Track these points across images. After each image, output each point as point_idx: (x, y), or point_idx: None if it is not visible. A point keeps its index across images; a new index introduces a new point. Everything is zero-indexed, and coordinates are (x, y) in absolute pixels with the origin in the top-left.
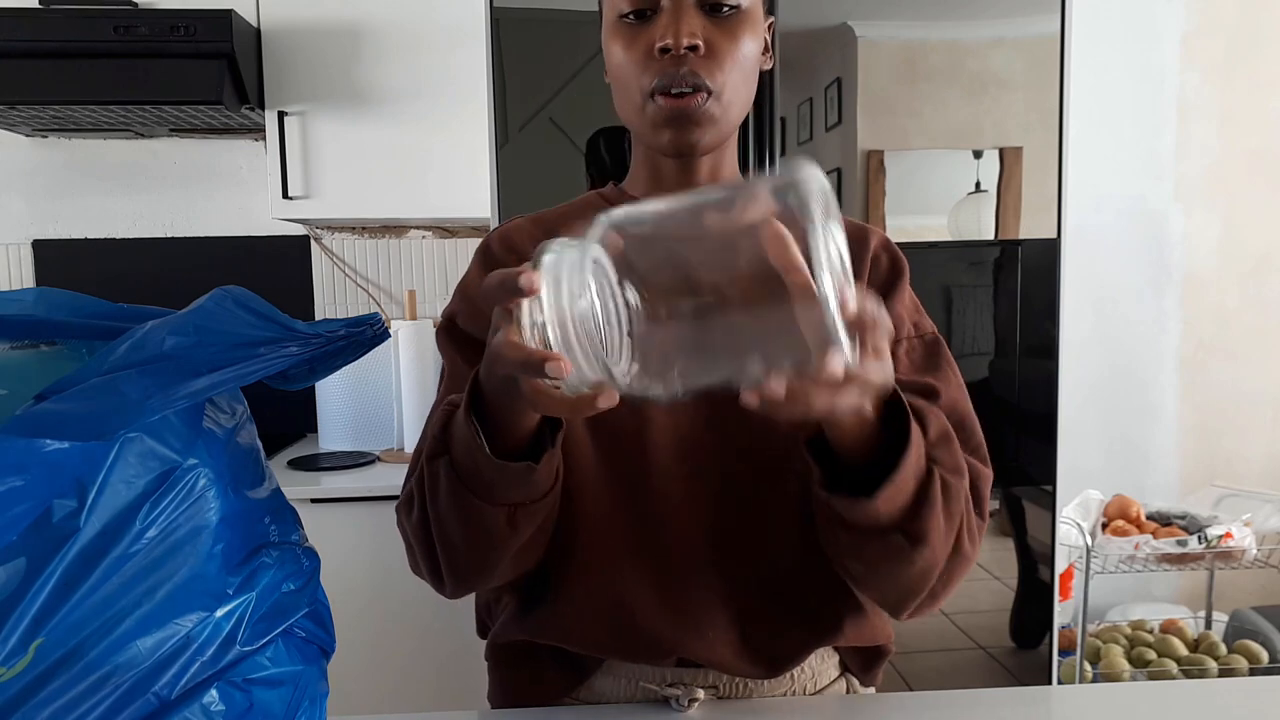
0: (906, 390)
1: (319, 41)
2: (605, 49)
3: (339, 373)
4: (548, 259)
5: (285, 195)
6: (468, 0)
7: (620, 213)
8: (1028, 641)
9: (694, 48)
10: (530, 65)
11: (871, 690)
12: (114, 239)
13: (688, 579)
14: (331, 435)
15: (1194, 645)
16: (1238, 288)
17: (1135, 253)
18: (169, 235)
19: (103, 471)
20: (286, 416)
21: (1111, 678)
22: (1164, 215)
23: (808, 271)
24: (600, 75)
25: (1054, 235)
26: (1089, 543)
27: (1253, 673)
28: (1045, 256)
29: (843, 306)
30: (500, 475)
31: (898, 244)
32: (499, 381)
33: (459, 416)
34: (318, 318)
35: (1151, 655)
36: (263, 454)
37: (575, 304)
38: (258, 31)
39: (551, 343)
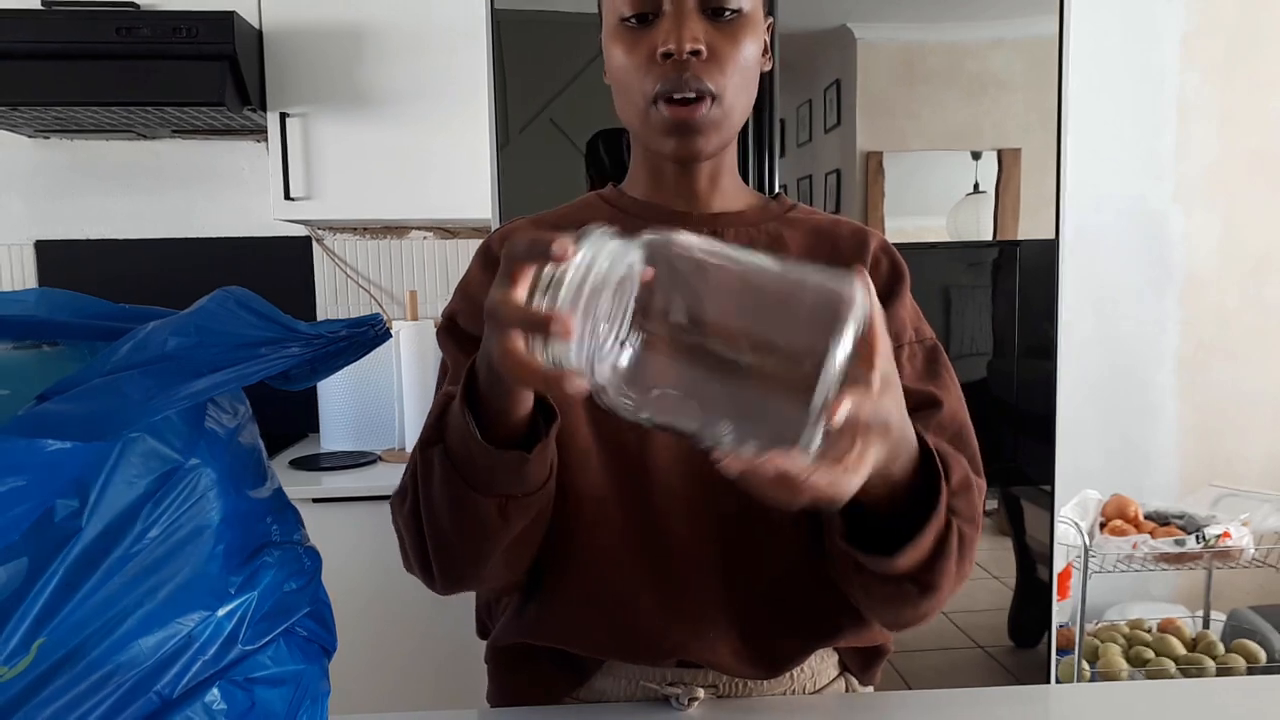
0: (910, 398)
1: (321, 43)
2: (606, 51)
3: (340, 373)
4: (593, 236)
5: (287, 196)
6: (468, 1)
7: (673, 238)
8: (1026, 640)
9: (696, 53)
10: (531, 66)
11: (870, 689)
12: (116, 240)
13: (688, 580)
14: (333, 435)
15: (1192, 645)
16: (1238, 288)
17: (1135, 253)
18: (171, 236)
19: (105, 471)
20: (288, 416)
21: (1109, 677)
22: (1164, 215)
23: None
24: (600, 76)
25: (1053, 236)
26: (1087, 542)
27: (1250, 672)
28: (1044, 257)
29: (829, 415)
30: (492, 464)
31: (897, 245)
32: (490, 349)
33: (454, 404)
34: (319, 318)
35: (1149, 654)
36: (264, 454)
37: (597, 284)
38: (260, 33)
39: (553, 302)
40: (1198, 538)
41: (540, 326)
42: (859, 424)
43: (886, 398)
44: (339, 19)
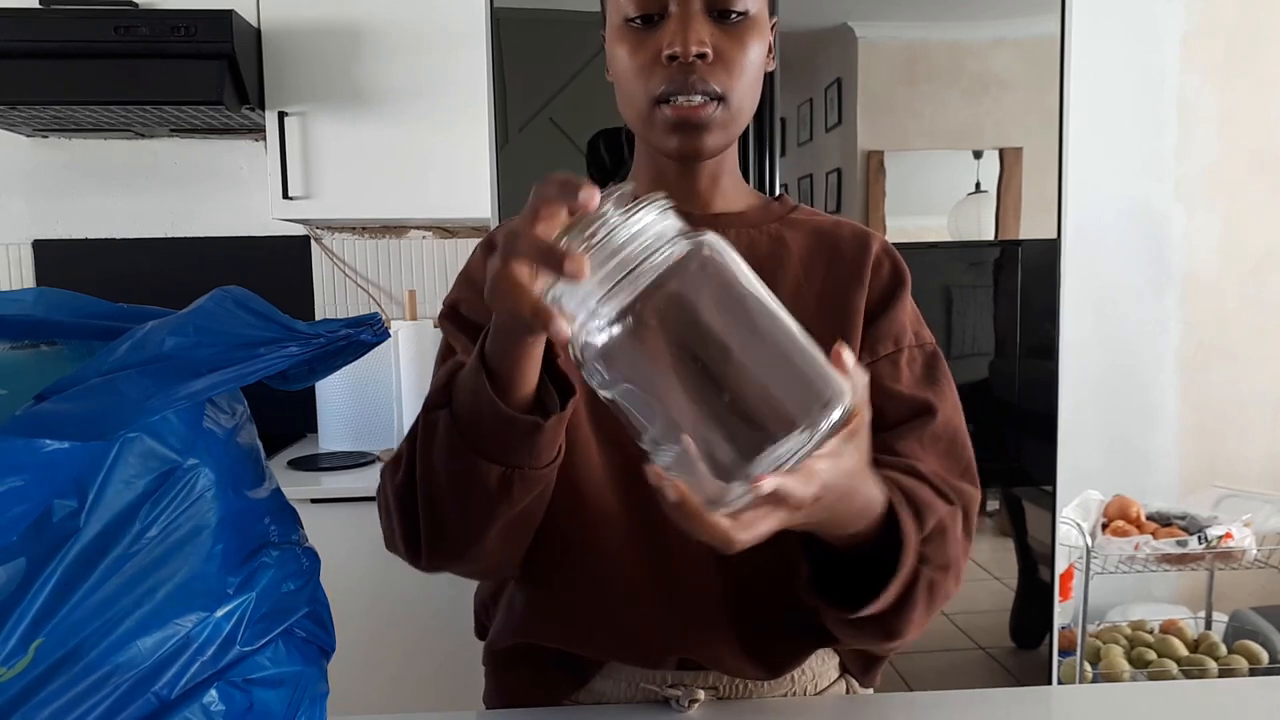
0: (905, 405)
1: (319, 42)
2: (609, 51)
3: (339, 373)
4: (654, 206)
5: (285, 195)
6: (468, 0)
7: (726, 253)
8: (1028, 642)
9: (702, 55)
10: (530, 66)
11: (871, 691)
12: (114, 239)
13: (689, 581)
14: (331, 435)
15: (1194, 646)
16: (1238, 288)
17: (1135, 253)
18: (169, 235)
19: (103, 471)
20: (286, 417)
21: (1111, 678)
22: (1164, 216)
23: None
24: (601, 76)
25: (1054, 236)
26: (1089, 543)
27: (1252, 673)
28: (1045, 257)
29: (757, 482)
30: (505, 427)
31: (897, 244)
32: (492, 270)
33: (467, 368)
34: (318, 318)
35: (1151, 656)
36: (263, 454)
37: (631, 253)
38: (258, 32)
39: (577, 246)
40: (1200, 539)
41: (555, 260)
42: (778, 503)
43: (829, 493)
44: (338, 17)
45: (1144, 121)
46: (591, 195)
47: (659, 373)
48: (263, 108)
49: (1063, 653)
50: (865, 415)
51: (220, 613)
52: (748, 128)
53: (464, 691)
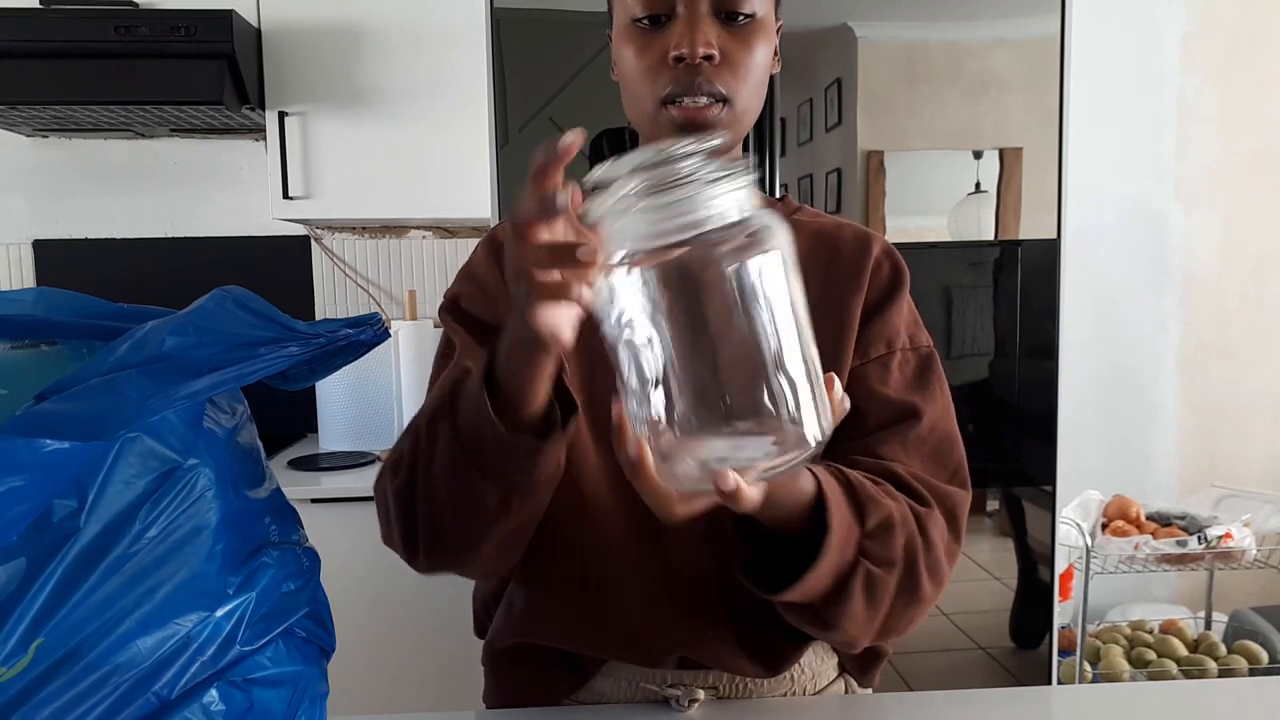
0: (890, 409)
1: (319, 42)
2: (615, 50)
3: (339, 373)
4: (740, 173)
5: (285, 195)
6: (468, 0)
7: (786, 234)
8: (1027, 642)
9: (709, 57)
10: (530, 66)
11: (870, 691)
12: (114, 239)
13: (688, 580)
14: (332, 435)
15: (1194, 646)
16: (1238, 288)
17: (1135, 253)
18: (169, 235)
19: (103, 471)
20: (286, 416)
21: (1111, 678)
22: (1164, 216)
23: None
24: (601, 76)
25: (1054, 236)
26: (1089, 543)
27: (1252, 673)
28: (1045, 257)
29: (720, 477)
30: (504, 447)
31: (898, 244)
32: (516, 273)
33: (471, 382)
34: (318, 318)
35: (1151, 656)
36: (263, 454)
37: (694, 196)
38: (258, 32)
39: (622, 164)
40: (1200, 539)
41: (556, 206)
42: (719, 492)
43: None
44: (338, 17)
45: (1144, 121)
46: (573, 138)
47: (671, 327)
48: (263, 108)
49: (1062, 653)
50: (750, 505)
51: (220, 612)
52: None
53: (464, 691)
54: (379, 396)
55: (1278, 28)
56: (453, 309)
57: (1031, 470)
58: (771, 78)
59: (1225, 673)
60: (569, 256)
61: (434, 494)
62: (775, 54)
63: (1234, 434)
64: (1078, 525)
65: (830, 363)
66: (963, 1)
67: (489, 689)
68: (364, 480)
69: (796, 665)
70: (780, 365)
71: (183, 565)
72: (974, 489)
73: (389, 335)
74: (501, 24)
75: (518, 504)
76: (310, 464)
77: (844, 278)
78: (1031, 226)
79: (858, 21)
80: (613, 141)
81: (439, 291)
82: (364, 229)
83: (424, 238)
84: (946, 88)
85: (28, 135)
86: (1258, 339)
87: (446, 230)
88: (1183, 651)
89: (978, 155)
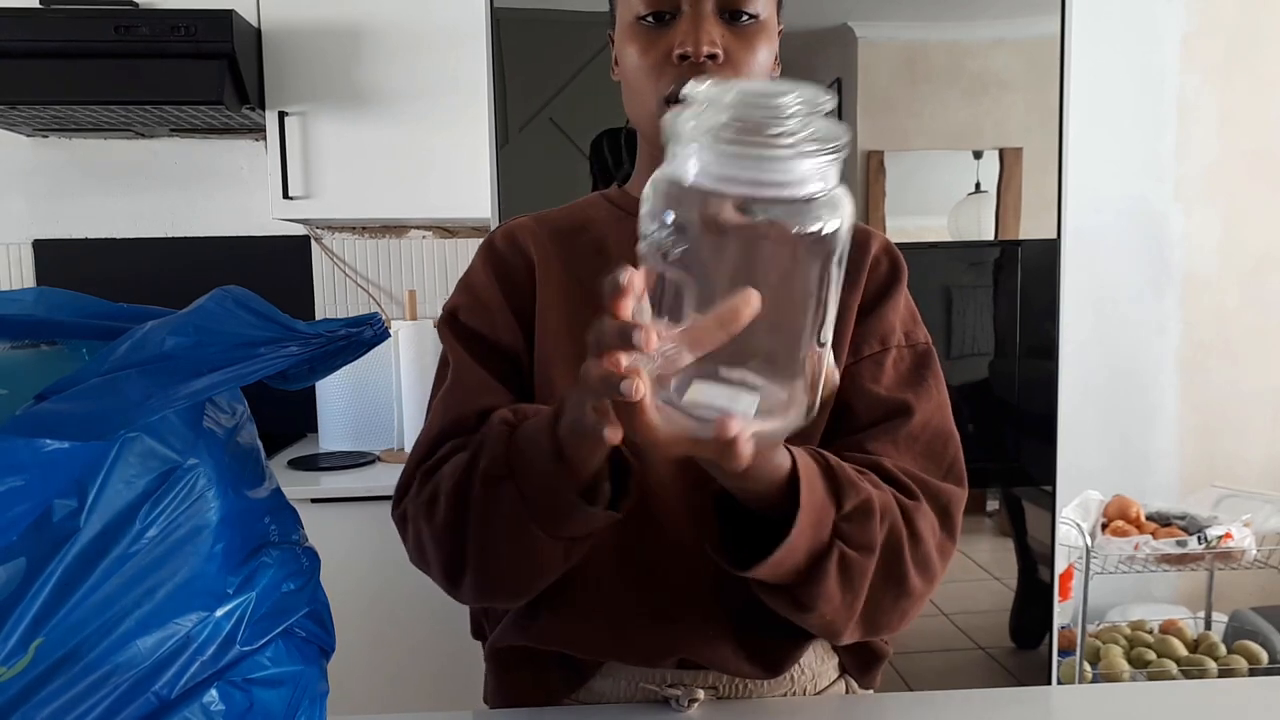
0: (880, 406)
1: (319, 42)
2: (618, 49)
3: (339, 373)
4: (841, 139)
5: (285, 195)
6: (468, 0)
7: (843, 227)
8: (1027, 642)
9: (713, 56)
10: (530, 65)
11: (871, 691)
12: (114, 239)
13: (686, 580)
14: (331, 435)
15: (1193, 646)
16: (1238, 288)
17: (1135, 253)
18: (169, 235)
19: (103, 471)
20: (286, 416)
21: (1111, 678)
22: (1164, 216)
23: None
24: (601, 76)
25: (1054, 236)
26: (1089, 543)
27: (1252, 673)
28: (1045, 257)
29: (723, 428)
30: (580, 518)
31: (898, 244)
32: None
33: (539, 451)
34: (318, 318)
35: (1151, 656)
36: (263, 454)
37: (790, 140)
38: (258, 31)
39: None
40: (1199, 539)
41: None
42: (716, 440)
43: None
44: (338, 17)
45: (1144, 121)
46: (626, 283)
47: (712, 261)
48: (263, 108)
49: (1062, 653)
50: (740, 462)
51: (220, 612)
52: None
53: (464, 691)
54: (379, 396)
55: (1278, 28)
56: (451, 322)
57: (1031, 470)
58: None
59: (1225, 673)
60: (626, 340)
61: (492, 548)
62: (775, 59)
63: (1234, 434)
64: (1078, 525)
65: None
66: (963, 1)
67: (490, 688)
68: (364, 480)
69: (796, 666)
70: (800, 333)
71: (183, 565)
72: (974, 489)
73: (389, 335)
74: (501, 24)
75: (578, 552)
76: (310, 464)
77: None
78: (1031, 226)
79: (858, 21)
80: (612, 142)
81: (439, 291)
82: (364, 229)
83: (424, 238)
84: (946, 88)
85: (28, 135)
86: (1258, 339)
87: (446, 230)
88: (1183, 651)
89: (978, 155)
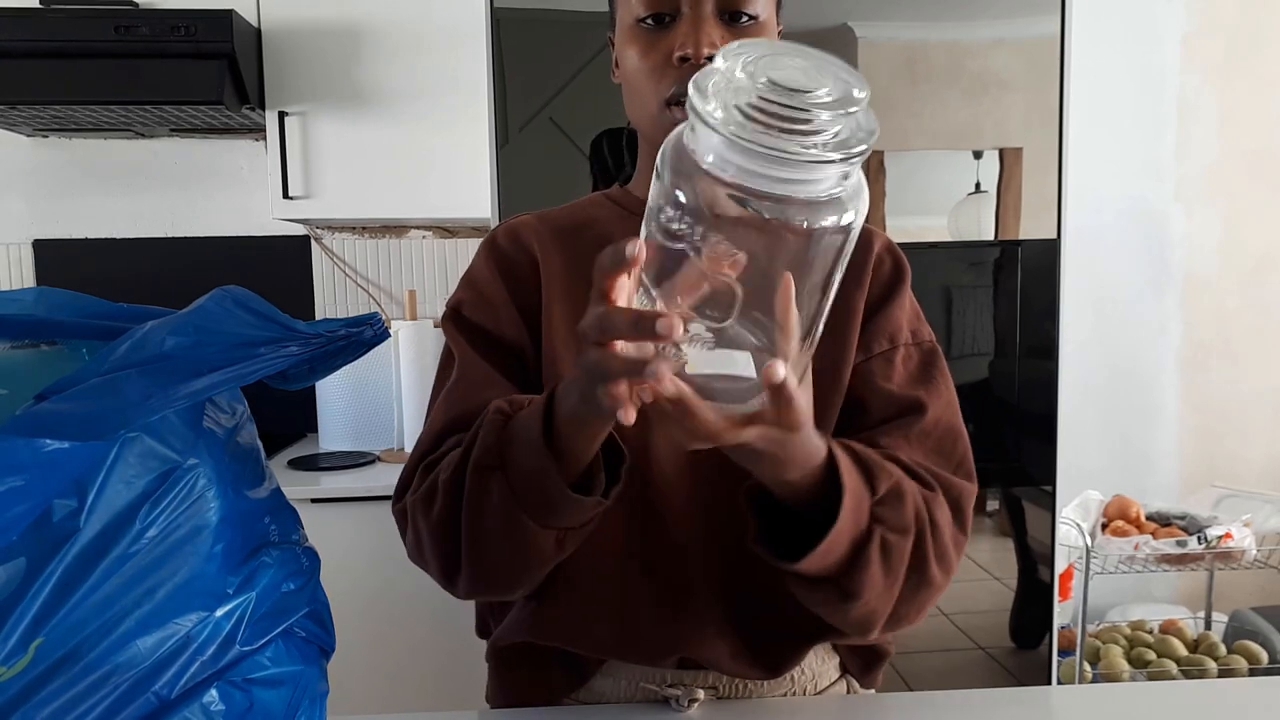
0: (893, 404)
1: (319, 41)
2: (618, 51)
3: (339, 373)
4: (865, 144)
5: (285, 195)
6: (468, 0)
7: (853, 226)
8: (1027, 642)
9: (713, 58)
10: (530, 65)
11: (871, 692)
12: (114, 239)
13: (688, 580)
14: (332, 435)
15: (1193, 646)
16: (1238, 288)
17: (1135, 253)
18: (169, 235)
19: (103, 471)
20: (286, 416)
21: (1111, 678)
22: (1164, 216)
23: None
24: (601, 76)
25: (1054, 236)
26: (1089, 543)
27: (1252, 673)
28: (1045, 257)
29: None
30: (569, 508)
31: (898, 244)
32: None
33: (529, 441)
34: (318, 318)
35: (1151, 656)
36: (263, 454)
37: (794, 117)
38: (258, 31)
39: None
40: (1199, 539)
41: (646, 327)
42: (768, 384)
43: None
44: (338, 17)
45: (1144, 121)
46: (635, 252)
47: (718, 239)
48: (263, 107)
49: (1062, 653)
50: (802, 415)
51: (220, 612)
52: None
53: (464, 690)
54: (379, 396)
55: (1278, 28)
56: (455, 317)
57: (1031, 470)
58: None
59: (1225, 673)
60: (648, 328)
61: (484, 540)
62: None
63: (1234, 434)
64: (1078, 525)
65: (834, 359)
66: (963, 1)
67: (492, 686)
68: (364, 480)
69: (797, 666)
70: (793, 324)
71: (183, 565)
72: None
73: (389, 335)
74: (501, 24)
75: (571, 543)
76: (310, 464)
77: (846, 274)
78: (1031, 226)
79: (858, 21)
80: (613, 142)
81: (439, 291)
82: (364, 229)
83: (424, 238)
84: (946, 88)
85: (28, 135)
86: (1258, 339)
87: (446, 230)
88: (1182, 651)
89: (978, 155)
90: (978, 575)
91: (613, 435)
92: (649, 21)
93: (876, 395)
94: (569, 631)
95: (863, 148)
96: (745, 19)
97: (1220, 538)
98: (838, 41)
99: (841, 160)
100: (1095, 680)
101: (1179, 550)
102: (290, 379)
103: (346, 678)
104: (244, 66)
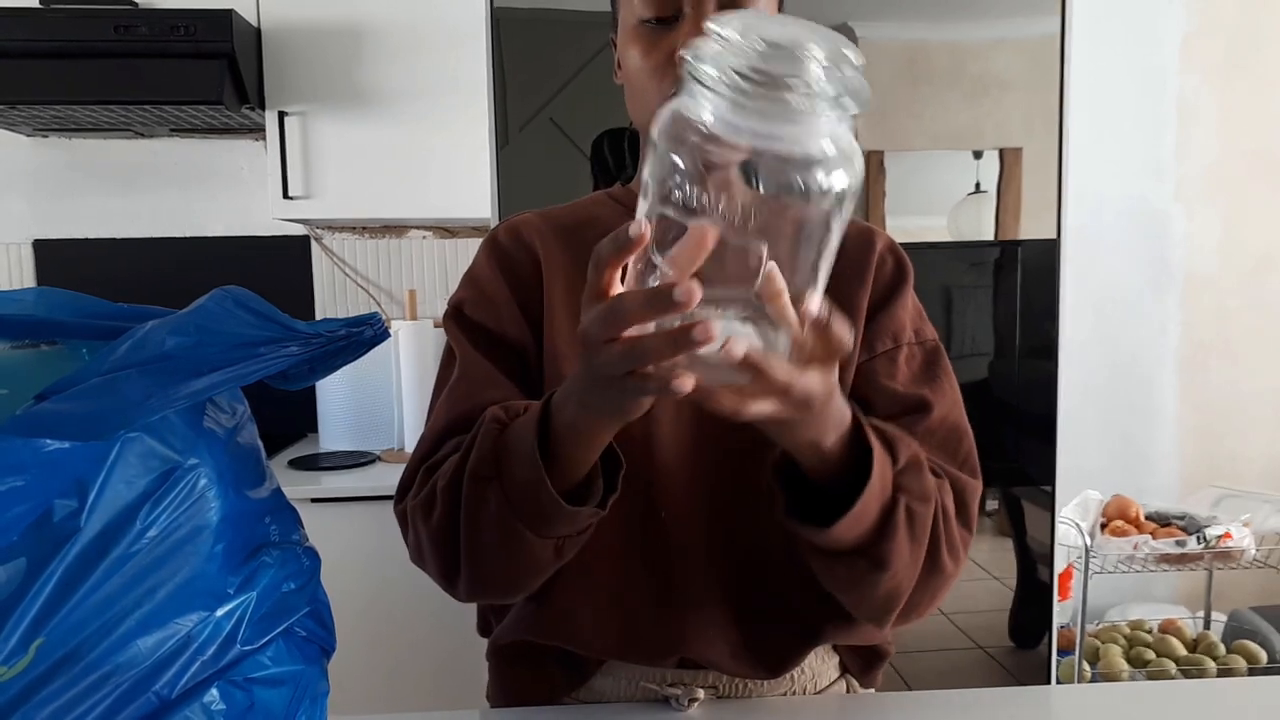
0: (898, 402)
1: (319, 41)
2: (621, 52)
3: (339, 373)
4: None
5: (285, 195)
6: (468, 0)
7: (846, 203)
8: (1026, 641)
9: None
10: (530, 65)
11: (871, 691)
12: (114, 239)
13: (689, 579)
14: (332, 435)
15: (1192, 645)
16: (1238, 288)
17: (1135, 253)
18: (169, 235)
19: (103, 471)
20: (287, 416)
21: (1110, 678)
22: (1164, 216)
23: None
24: (601, 76)
25: (1054, 236)
26: (1088, 543)
27: (1251, 673)
28: (1045, 257)
29: (730, 352)
30: (564, 518)
31: (898, 244)
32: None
33: (523, 453)
34: (318, 318)
35: (1150, 655)
36: (263, 454)
37: (787, 76)
38: (258, 31)
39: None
40: (1199, 538)
41: (663, 301)
42: (826, 346)
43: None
44: (338, 17)
45: (1144, 122)
46: (640, 230)
47: (713, 193)
48: (263, 107)
49: (1061, 652)
50: (845, 338)
51: (221, 612)
52: None
53: (464, 689)
54: (379, 396)
55: (1278, 28)
56: (456, 315)
57: (1031, 470)
58: None
59: (1224, 672)
60: (664, 301)
61: (484, 550)
62: None
63: (1234, 434)
64: (1077, 525)
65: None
66: (963, 2)
67: (492, 685)
68: (364, 480)
69: (797, 666)
70: (795, 281)
71: (183, 565)
72: None
73: (389, 335)
74: (501, 24)
75: (570, 549)
76: (310, 464)
77: (848, 274)
78: (1031, 227)
79: (858, 21)
80: (613, 143)
81: (439, 291)
82: (364, 229)
83: (424, 238)
84: (947, 88)
85: (28, 135)
86: (1258, 339)
87: (446, 230)
88: (1182, 651)
89: (978, 155)
90: (977, 575)
91: (610, 442)
92: (651, 22)
93: (881, 394)
94: (569, 631)
95: (859, 100)
96: None
97: (1219, 537)
98: None
99: (841, 112)
100: (1094, 680)
101: (1178, 550)
102: (290, 379)
103: (346, 677)
104: (244, 66)
